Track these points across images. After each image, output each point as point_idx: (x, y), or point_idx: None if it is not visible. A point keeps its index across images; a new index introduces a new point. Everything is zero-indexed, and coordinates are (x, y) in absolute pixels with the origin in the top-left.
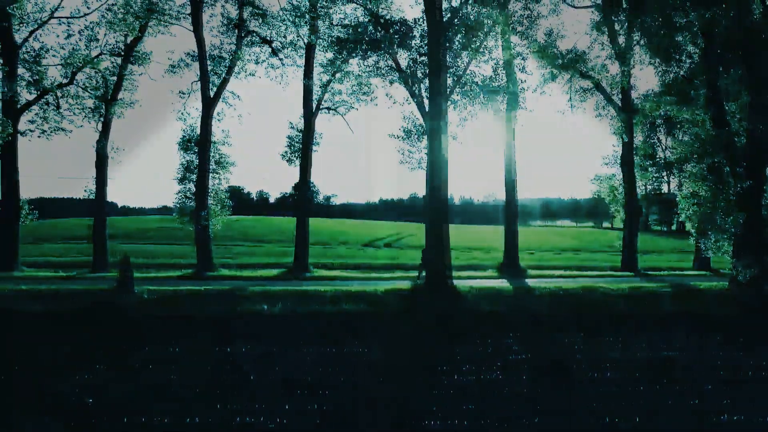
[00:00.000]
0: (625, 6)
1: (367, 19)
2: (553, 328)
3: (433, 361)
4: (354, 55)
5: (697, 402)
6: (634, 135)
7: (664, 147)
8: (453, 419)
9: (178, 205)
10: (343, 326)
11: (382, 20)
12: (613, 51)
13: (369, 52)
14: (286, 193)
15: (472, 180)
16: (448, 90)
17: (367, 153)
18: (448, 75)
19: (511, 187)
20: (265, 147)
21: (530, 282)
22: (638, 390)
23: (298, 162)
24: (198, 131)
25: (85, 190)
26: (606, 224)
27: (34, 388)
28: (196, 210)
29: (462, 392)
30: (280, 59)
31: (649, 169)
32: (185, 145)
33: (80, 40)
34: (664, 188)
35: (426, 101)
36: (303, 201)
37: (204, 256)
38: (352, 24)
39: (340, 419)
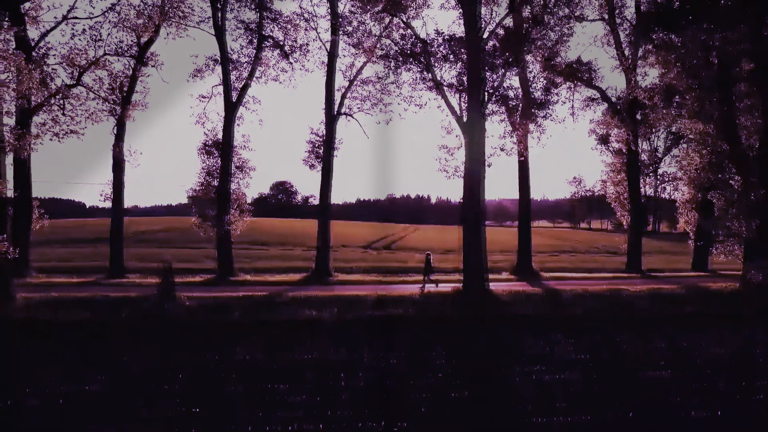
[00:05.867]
0: (632, 20)
1: (410, 35)
2: (597, 328)
3: (503, 361)
4: (393, 67)
5: (762, 397)
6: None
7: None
8: (557, 415)
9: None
10: (398, 332)
11: (439, 36)
12: (619, 62)
13: (410, 65)
14: (265, 194)
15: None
16: (487, 99)
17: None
18: (484, 89)
19: (526, 191)
20: None
21: (550, 284)
22: (704, 386)
23: (319, 167)
24: (219, 135)
25: (101, 194)
26: (583, 225)
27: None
28: (218, 214)
29: (540, 389)
30: (291, 63)
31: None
32: (207, 149)
33: (83, 39)
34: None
35: (464, 113)
36: (326, 205)
37: (225, 260)
38: (397, 41)
39: (436, 424)
